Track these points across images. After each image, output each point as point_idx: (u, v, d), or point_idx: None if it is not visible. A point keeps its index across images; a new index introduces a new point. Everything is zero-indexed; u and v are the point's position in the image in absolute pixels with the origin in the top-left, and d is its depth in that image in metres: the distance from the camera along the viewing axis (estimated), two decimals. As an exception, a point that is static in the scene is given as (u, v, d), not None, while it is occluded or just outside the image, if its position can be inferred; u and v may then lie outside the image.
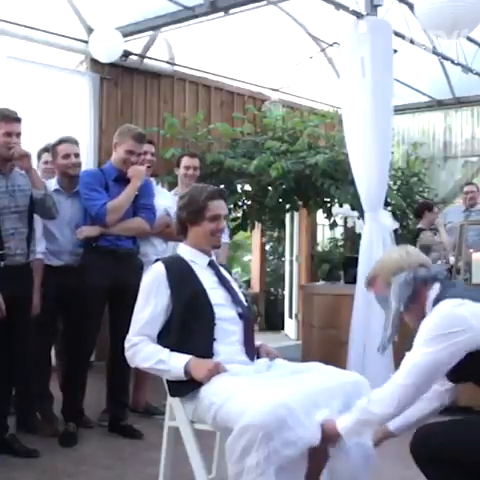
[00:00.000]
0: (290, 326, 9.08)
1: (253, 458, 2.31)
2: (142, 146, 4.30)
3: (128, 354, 2.80)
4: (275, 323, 9.53)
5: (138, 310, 2.82)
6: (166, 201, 4.66)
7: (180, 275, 2.82)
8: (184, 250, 2.95)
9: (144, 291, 2.83)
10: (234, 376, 2.63)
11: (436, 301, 2.34)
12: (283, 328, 9.38)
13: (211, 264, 2.94)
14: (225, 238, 4.87)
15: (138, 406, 4.67)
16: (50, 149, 4.33)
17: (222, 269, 3.00)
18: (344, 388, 2.57)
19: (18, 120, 3.74)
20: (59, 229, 4.18)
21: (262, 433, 2.29)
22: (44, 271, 4.10)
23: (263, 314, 9.61)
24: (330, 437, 2.36)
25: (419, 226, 6.56)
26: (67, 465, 3.67)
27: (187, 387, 2.68)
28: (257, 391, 2.47)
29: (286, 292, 9.40)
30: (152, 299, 2.79)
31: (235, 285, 2.98)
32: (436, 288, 2.41)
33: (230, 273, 3.10)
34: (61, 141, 4.26)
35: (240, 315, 2.84)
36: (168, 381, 2.75)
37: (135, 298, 4.31)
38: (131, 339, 2.79)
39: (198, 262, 2.91)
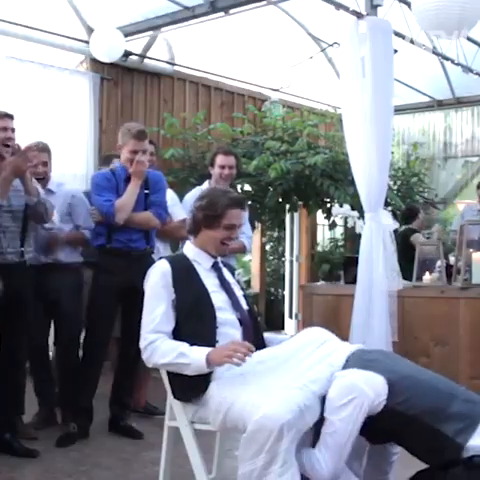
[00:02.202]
0: (290, 326, 9.07)
1: (269, 454, 2.33)
2: (144, 143, 4.24)
3: (146, 353, 2.72)
4: (275, 323, 9.52)
5: (150, 309, 2.76)
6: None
7: (184, 275, 2.79)
8: (189, 249, 2.91)
9: (153, 289, 2.78)
10: (240, 376, 2.61)
11: None
12: (283, 328, 9.38)
13: (214, 266, 2.90)
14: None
15: (138, 406, 4.67)
16: None
17: (225, 270, 2.96)
18: None
19: (11, 117, 3.78)
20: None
21: (279, 426, 2.31)
22: (31, 270, 4.02)
23: (263, 314, 9.60)
24: None
25: (410, 227, 6.62)
26: (67, 465, 3.68)
27: (192, 392, 2.66)
28: (268, 387, 2.47)
29: (286, 292, 9.40)
30: (163, 296, 2.74)
31: (237, 289, 2.94)
32: None
33: (233, 273, 3.07)
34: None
35: (240, 321, 2.81)
36: (172, 384, 2.73)
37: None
38: (147, 337, 2.72)
39: (202, 263, 2.87)
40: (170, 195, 4.83)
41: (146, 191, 4.22)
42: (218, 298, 2.80)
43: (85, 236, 4.31)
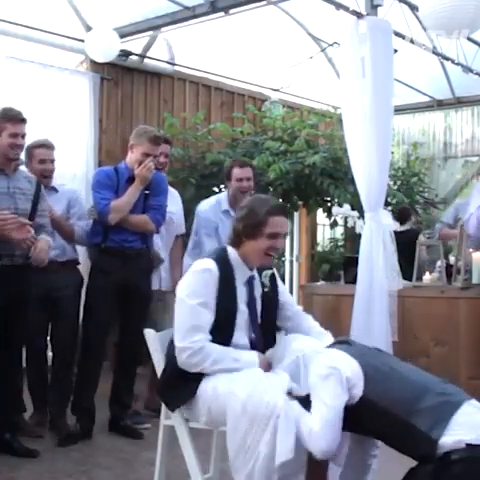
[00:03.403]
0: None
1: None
2: (158, 148, 4.26)
3: (193, 359, 2.59)
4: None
5: (195, 311, 2.61)
6: (173, 207, 4.64)
7: (225, 284, 2.68)
8: (233, 255, 2.76)
9: (200, 291, 2.63)
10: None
11: None
12: (283, 328, 9.38)
13: (248, 280, 2.79)
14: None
15: (150, 406, 4.63)
16: (26, 150, 4.28)
17: (257, 285, 2.82)
18: None
19: (24, 121, 3.75)
20: None
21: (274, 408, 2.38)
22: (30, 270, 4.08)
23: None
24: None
25: (409, 227, 6.59)
26: (67, 465, 3.68)
27: (182, 398, 2.67)
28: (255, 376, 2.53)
29: (286, 292, 9.39)
30: (210, 302, 2.63)
31: (258, 304, 2.83)
32: None
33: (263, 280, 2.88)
34: (39, 145, 4.24)
35: (252, 343, 2.76)
36: (163, 396, 2.77)
37: (144, 299, 4.33)
38: (195, 341, 2.59)
39: (239, 275, 2.75)
40: (176, 201, 4.81)
41: (146, 192, 4.19)
42: (241, 316, 2.74)
43: (74, 230, 4.27)
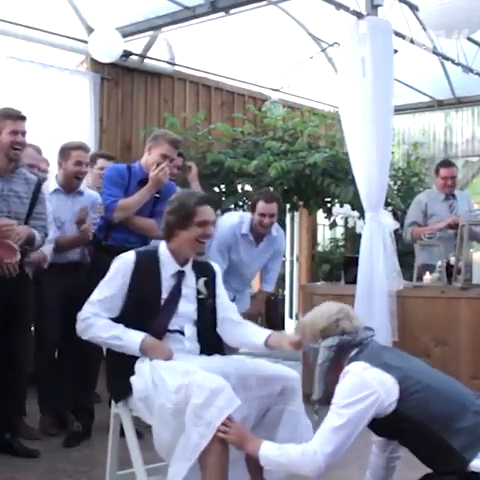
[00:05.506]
0: (290, 326, 9.08)
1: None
2: (177, 152, 4.25)
3: (80, 326, 2.85)
4: (275, 323, 9.52)
5: (100, 290, 2.89)
6: None
7: (145, 272, 2.87)
8: (162, 250, 2.96)
9: (111, 275, 2.90)
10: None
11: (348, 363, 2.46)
12: (283, 328, 9.38)
13: (178, 274, 2.93)
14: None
15: None
16: (61, 150, 4.28)
17: (189, 278, 2.95)
18: (277, 382, 2.75)
19: (23, 118, 3.73)
20: (62, 228, 4.21)
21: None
22: (50, 269, 4.12)
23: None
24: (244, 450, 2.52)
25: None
26: (67, 465, 3.68)
27: (123, 391, 2.82)
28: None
29: (286, 292, 9.40)
30: (117, 284, 2.86)
31: (187, 301, 2.93)
32: (353, 353, 2.48)
33: (199, 278, 3.00)
34: (77, 147, 4.25)
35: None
36: (110, 388, 2.94)
37: None
38: (86, 313, 2.84)
39: (167, 267, 2.92)
40: None
41: (157, 195, 4.14)
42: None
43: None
